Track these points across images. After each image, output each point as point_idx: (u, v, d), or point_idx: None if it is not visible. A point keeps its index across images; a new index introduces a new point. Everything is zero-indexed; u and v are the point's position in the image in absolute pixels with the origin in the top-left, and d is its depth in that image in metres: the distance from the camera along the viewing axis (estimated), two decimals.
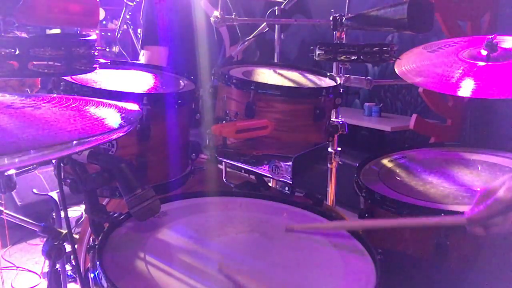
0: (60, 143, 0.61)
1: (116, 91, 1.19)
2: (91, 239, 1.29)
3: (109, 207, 1.24)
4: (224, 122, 1.33)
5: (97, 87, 1.19)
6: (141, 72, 1.46)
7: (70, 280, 1.32)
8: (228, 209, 1.15)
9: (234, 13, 1.95)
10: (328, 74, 1.58)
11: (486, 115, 3.30)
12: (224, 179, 1.47)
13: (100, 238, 0.94)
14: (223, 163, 1.43)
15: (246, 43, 2.09)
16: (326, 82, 1.51)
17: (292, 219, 1.13)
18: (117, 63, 1.46)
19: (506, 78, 1.21)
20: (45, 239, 1.19)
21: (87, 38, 1.09)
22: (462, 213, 1.10)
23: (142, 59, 2.27)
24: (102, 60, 1.16)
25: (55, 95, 0.90)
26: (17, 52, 0.96)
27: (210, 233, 1.03)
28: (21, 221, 1.92)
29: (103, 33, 6.63)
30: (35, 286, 2.71)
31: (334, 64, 1.73)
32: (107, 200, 1.33)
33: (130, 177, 0.95)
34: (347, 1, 1.71)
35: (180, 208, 1.13)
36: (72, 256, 1.13)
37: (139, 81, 1.38)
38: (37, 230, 1.27)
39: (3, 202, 2.83)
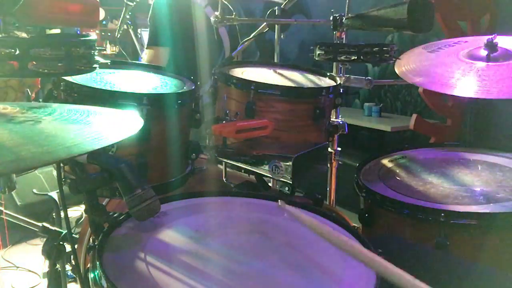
0: (59, 159, 0.61)
1: (116, 91, 1.19)
2: (91, 239, 1.29)
3: (109, 207, 1.24)
4: (224, 122, 1.33)
5: (97, 87, 1.19)
6: (141, 72, 1.46)
7: (70, 280, 1.32)
8: (228, 209, 1.15)
9: (234, 13, 1.95)
10: (328, 74, 1.58)
11: (486, 115, 3.30)
12: (224, 179, 1.47)
13: (100, 238, 0.94)
14: (223, 163, 1.43)
15: (246, 43, 2.09)
16: (326, 82, 1.51)
17: (292, 219, 1.13)
18: (117, 63, 1.46)
19: (506, 78, 1.21)
20: (45, 239, 1.19)
21: (87, 38, 1.09)
22: (460, 213, 1.10)
23: (144, 58, 2.30)
24: (102, 60, 1.16)
25: (56, 105, 0.90)
26: (17, 52, 0.96)
27: (210, 233, 1.02)
28: (21, 221, 1.92)
29: (103, 33, 6.64)
30: (35, 286, 2.71)
31: (334, 64, 1.73)
32: (107, 200, 1.33)
33: (130, 177, 0.95)
34: (347, 1, 1.71)
35: (180, 208, 1.13)
36: (72, 256, 1.13)
37: (140, 81, 1.37)
38: (37, 230, 1.27)
39: (3, 202, 2.83)
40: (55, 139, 0.70)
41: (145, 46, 2.36)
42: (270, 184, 1.57)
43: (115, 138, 0.74)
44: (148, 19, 2.34)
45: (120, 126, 0.82)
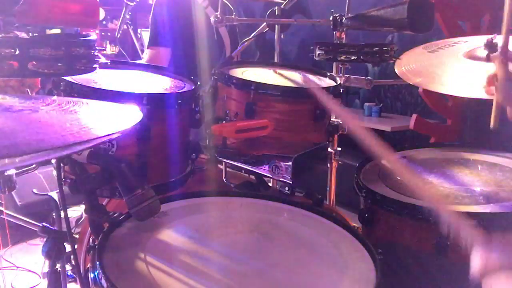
0: (53, 147, 0.61)
1: (116, 91, 1.19)
2: (91, 239, 1.29)
3: (109, 207, 1.24)
4: (224, 122, 1.32)
5: (97, 87, 1.19)
6: (141, 72, 1.46)
7: (70, 280, 1.32)
8: (228, 209, 1.15)
9: (234, 13, 1.95)
10: (328, 74, 1.58)
11: (486, 115, 3.29)
12: (224, 179, 1.47)
13: (100, 238, 0.94)
14: (223, 163, 1.43)
15: (246, 43, 2.09)
16: (326, 82, 1.51)
17: (292, 219, 1.13)
18: (117, 63, 1.46)
19: None
20: (45, 239, 1.19)
21: (87, 38, 1.09)
22: (462, 212, 1.10)
23: (145, 58, 2.31)
24: (102, 60, 1.16)
25: (55, 97, 0.90)
26: (17, 52, 0.96)
27: (210, 233, 1.03)
28: (21, 221, 1.92)
29: (103, 33, 6.64)
30: (35, 286, 2.71)
31: (334, 64, 1.73)
32: (107, 200, 1.33)
33: (130, 177, 0.95)
34: (347, 1, 1.71)
35: (180, 208, 1.13)
36: (72, 256, 1.13)
37: (140, 81, 1.38)
38: (37, 230, 1.26)
39: (3, 202, 2.83)
40: (51, 127, 0.70)
41: (146, 46, 2.36)
42: (270, 184, 1.57)
43: (112, 129, 0.73)
44: (149, 19, 2.35)
45: (118, 119, 0.82)
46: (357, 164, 1.45)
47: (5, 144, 0.60)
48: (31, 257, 2.99)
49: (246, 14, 5.12)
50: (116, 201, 1.34)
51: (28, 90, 1.79)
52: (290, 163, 1.22)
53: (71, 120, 0.75)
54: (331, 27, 1.70)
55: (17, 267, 2.87)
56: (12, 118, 0.72)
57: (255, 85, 1.30)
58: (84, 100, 0.89)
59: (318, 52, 1.56)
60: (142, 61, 2.33)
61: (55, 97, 0.90)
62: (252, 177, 1.46)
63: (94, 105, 0.87)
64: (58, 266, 1.19)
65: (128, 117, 0.82)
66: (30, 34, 1.22)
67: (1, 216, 2.35)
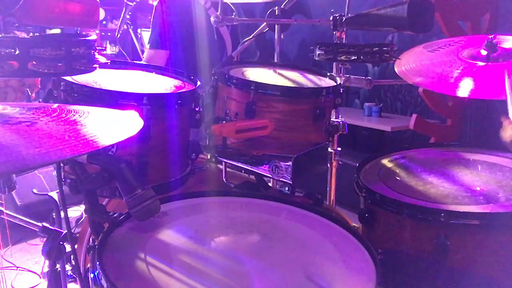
0: (52, 161, 0.61)
1: (116, 91, 1.19)
2: (91, 239, 1.29)
3: (109, 207, 1.24)
4: (224, 122, 1.33)
5: (97, 87, 1.19)
6: (141, 72, 1.46)
7: (70, 280, 1.32)
8: (228, 209, 1.15)
9: (234, 13, 1.96)
10: (328, 74, 1.58)
11: (486, 115, 3.30)
12: (224, 179, 1.47)
13: (100, 238, 0.94)
14: (223, 163, 1.43)
15: (246, 43, 2.09)
16: (326, 82, 1.51)
17: (292, 219, 1.13)
18: (117, 63, 1.46)
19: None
20: (45, 239, 1.19)
21: (87, 38, 1.09)
22: (460, 213, 1.10)
23: (144, 58, 2.32)
24: (102, 60, 1.16)
25: (55, 105, 0.89)
26: (17, 52, 0.96)
27: (210, 233, 1.03)
28: (21, 221, 1.92)
29: (103, 33, 6.63)
30: (35, 286, 2.71)
31: (334, 64, 1.73)
32: (107, 200, 1.33)
33: (130, 177, 0.95)
34: (347, 1, 1.71)
35: (180, 208, 1.13)
36: (72, 256, 1.13)
37: (140, 81, 1.38)
38: (37, 230, 1.27)
39: (3, 202, 2.83)
40: (50, 140, 0.70)
41: (145, 46, 2.38)
42: (270, 184, 1.57)
43: (112, 140, 0.74)
44: (151, 19, 2.35)
45: (118, 128, 0.82)
46: (357, 164, 1.45)
47: (3, 160, 0.60)
48: (31, 257, 3.00)
49: (246, 14, 5.13)
50: (116, 201, 1.34)
51: (28, 90, 1.79)
52: (290, 163, 1.22)
53: (70, 131, 0.75)
54: (331, 27, 1.70)
55: (17, 267, 2.88)
56: (11, 131, 0.72)
57: (255, 85, 1.30)
58: (85, 108, 0.89)
59: (318, 52, 1.56)
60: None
61: (55, 105, 0.90)
62: (252, 177, 1.46)
63: (95, 113, 0.87)
64: (58, 266, 1.19)
65: (129, 125, 0.82)
66: (30, 34, 1.22)
67: (1, 216, 2.35)
